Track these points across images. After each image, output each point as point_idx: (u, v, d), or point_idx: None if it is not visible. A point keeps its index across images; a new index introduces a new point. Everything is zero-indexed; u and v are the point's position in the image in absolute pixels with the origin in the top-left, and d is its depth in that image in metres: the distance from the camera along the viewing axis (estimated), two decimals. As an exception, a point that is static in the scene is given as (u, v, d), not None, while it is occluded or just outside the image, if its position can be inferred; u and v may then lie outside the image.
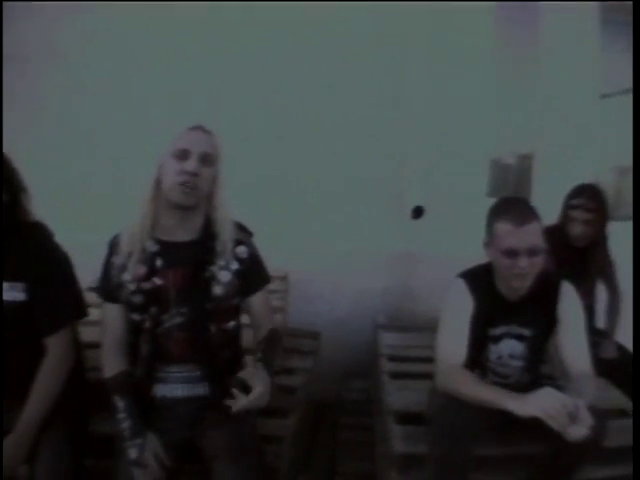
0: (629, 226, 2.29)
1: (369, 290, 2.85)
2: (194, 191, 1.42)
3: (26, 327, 1.50)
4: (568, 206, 2.28)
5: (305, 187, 2.76)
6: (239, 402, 1.26)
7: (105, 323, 1.53)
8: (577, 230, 2.25)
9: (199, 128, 1.47)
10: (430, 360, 2.07)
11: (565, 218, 2.29)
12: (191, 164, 1.41)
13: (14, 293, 1.47)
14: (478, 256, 1.70)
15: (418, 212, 2.67)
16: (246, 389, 1.27)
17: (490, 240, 1.57)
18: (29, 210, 1.55)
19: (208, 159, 1.44)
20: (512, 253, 1.49)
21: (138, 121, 2.73)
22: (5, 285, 1.47)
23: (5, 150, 1.51)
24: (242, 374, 1.30)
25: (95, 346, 1.72)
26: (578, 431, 1.24)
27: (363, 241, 2.80)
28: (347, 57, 2.79)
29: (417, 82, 2.79)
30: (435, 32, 2.78)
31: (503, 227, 1.51)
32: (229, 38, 2.78)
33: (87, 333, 1.69)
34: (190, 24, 2.76)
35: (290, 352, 2.30)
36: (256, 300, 1.58)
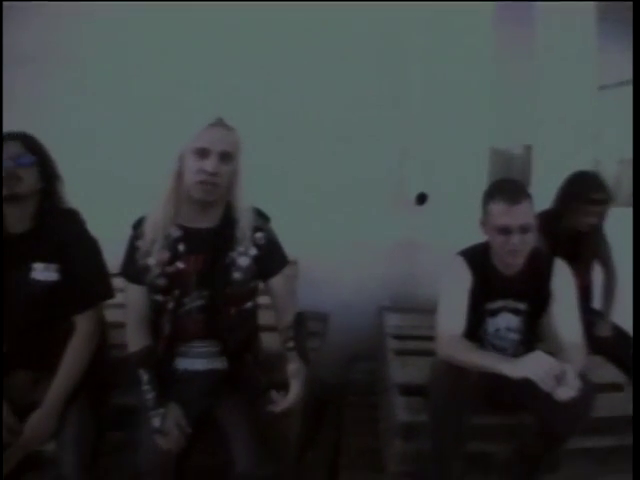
0: (626, 211, 2.36)
1: (373, 276, 2.90)
2: (214, 188, 1.46)
3: (57, 305, 1.59)
4: (588, 200, 2.23)
5: (311, 179, 2.79)
6: (280, 404, 1.45)
7: (129, 303, 1.60)
8: (593, 221, 2.26)
9: (219, 124, 1.48)
10: (431, 339, 2.17)
11: (581, 209, 2.24)
12: (211, 164, 1.44)
13: (48, 273, 1.57)
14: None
15: (422, 198, 2.72)
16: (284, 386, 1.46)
17: (485, 219, 1.67)
18: (63, 197, 1.65)
19: (228, 156, 1.47)
20: (505, 230, 1.58)
21: (138, 121, 2.76)
22: (40, 266, 1.57)
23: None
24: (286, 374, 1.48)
25: (117, 326, 1.82)
26: (566, 392, 1.32)
27: (367, 230, 2.85)
28: (347, 54, 2.80)
29: (419, 75, 2.82)
30: (435, 30, 2.80)
31: (497, 206, 1.60)
32: (230, 38, 2.78)
33: (109, 314, 1.79)
34: (190, 24, 2.76)
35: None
36: (276, 282, 1.64)
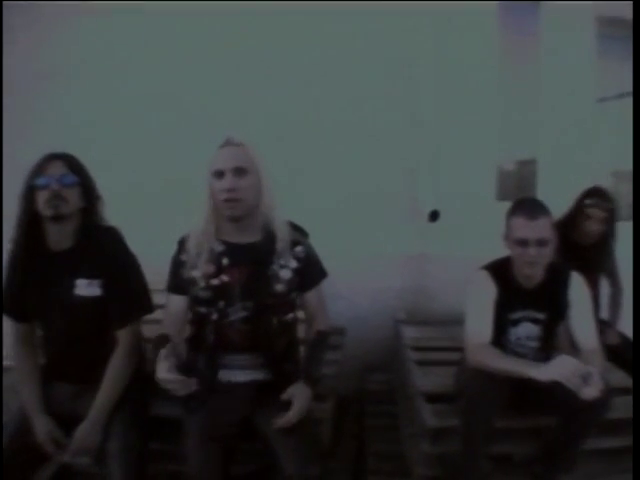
0: (626, 225, 2.47)
1: (387, 290, 2.98)
2: (237, 203, 1.58)
3: (100, 320, 1.66)
4: (585, 204, 2.45)
5: (326, 195, 2.86)
6: (280, 422, 1.52)
7: (169, 312, 1.68)
8: (594, 227, 2.43)
9: (228, 144, 1.62)
10: (448, 349, 2.30)
11: (581, 216, 2.45)
12: (226, 182, 1.57)
13: (92, 289, 1.64)
14: (486, 257, 1.91)
15: (434, 216, 2.82)
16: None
17: (507, 233, 1.79)
18: (103, 215, 1.72)
19: (242, 171, 1.58)
20: (523, 242, 1.71)
21: (137, 125, 2.83)
22: (83, 282, 1.63)
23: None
24: (285, 395, 1.55)
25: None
26: (590, 392, 1.45)
27: (380, 244, 2.92)
28: (356, 66, 2.88)
29: (427, 95, 2.92)
30: (441, 44, 2.89)
31: (517, 221, 1.74)
32: (233, 42, 2.83)
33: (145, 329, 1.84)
34: (191, 26, 2.82)
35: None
36: (311, 296, 1.74)
